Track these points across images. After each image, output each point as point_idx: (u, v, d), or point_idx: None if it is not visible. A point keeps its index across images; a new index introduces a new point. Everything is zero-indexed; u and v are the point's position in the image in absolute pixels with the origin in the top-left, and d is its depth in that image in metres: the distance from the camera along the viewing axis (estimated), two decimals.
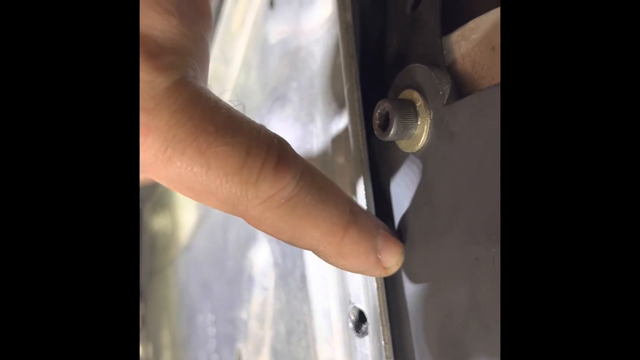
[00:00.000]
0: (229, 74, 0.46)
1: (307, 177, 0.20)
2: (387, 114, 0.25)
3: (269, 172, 0.19)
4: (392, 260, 0.24)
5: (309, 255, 0.33)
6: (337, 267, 0.23)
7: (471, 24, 0.24)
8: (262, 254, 0.39)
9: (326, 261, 0.23)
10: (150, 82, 0.18)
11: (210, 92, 0.20)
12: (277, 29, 0.37)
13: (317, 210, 0.21)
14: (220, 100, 0.20)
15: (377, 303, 0.27)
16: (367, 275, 0.25)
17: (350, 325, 0.29)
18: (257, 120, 0.37)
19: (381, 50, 0.29)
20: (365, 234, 0.23)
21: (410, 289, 0.27)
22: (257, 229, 0.21)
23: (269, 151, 0.20)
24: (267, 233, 0.21)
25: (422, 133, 0.25)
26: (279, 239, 0.22)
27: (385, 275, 0.25)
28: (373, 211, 0.28)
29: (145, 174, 0.19)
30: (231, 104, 0.20)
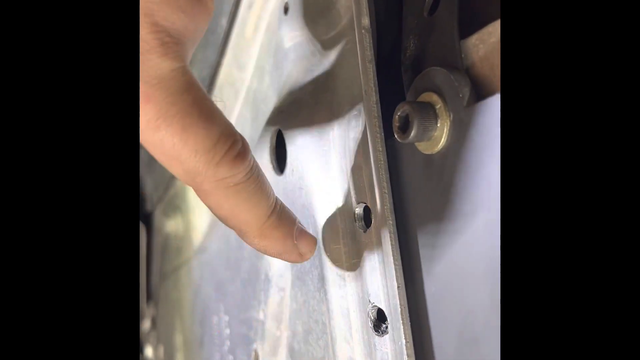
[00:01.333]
0: (242, 78, 0.46)
1: (254, 172, 0.26)
2: (407, 116, 0.26)
3: (229, 159, 0.24)
4: (306, 247, 0.29)
5: (326, 256, 0.34)
6: (258, 249, 0.28)
7: (489, 28, 0.25)
8: None
9: (248, 242, 0.28)
10: (158, 64, 0.22)
11: (199, 84, 0.24)
12: (292, 34, 0.38)
13: (254, 197, 0.26)
14: (206, 92, 0.24)
15: (398, 302, 0.28)
16: (284, 259, 0.29)
17: (370, 324, 0.30)
18: (274, 124, 0.38)
19: (397, 54, 0.30)
20: (284, 221, 0.28)
21: (430, 288, 0.27)
22: (203, 201, 0.26)
23: (234, 144, 0.24)
24: (209, 206, 0.26)
25: (441, 135, 0.26)
26: (215, 214, 0.26)
27: (300, 261, 0.30)
28: (392, 213, 0.28)
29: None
30: (214, 99, 0.25)
